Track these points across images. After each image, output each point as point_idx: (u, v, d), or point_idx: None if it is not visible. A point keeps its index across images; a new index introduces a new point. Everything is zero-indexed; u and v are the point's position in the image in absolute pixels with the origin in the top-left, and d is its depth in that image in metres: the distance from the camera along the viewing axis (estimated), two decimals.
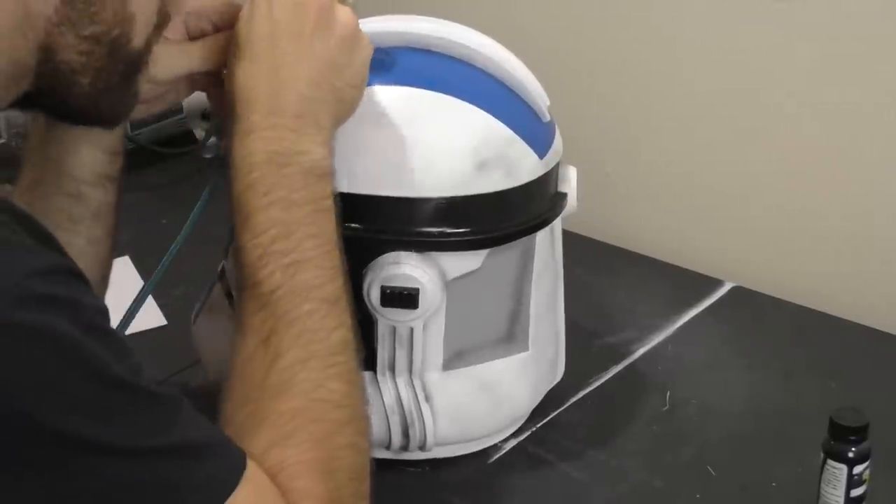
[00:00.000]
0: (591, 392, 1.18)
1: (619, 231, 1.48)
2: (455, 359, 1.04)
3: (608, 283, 1.38)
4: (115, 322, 0.72)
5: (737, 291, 1.35)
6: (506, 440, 1.11)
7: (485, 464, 1.09)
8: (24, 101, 0.76)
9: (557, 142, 1.08)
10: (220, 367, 1.06)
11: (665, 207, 1.49)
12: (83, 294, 0.65)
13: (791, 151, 1.36)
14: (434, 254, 1.00)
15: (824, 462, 0.97)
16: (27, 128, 1.74)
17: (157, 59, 0.84)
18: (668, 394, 1.18)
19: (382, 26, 1.03)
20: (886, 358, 1.24)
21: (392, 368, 1.02)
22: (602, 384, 1.19)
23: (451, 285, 1.01)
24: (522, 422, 1.12)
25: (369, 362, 1.01)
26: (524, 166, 1.02)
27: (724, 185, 1.43)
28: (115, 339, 0.67)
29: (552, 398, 1.15)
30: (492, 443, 1.10)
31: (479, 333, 1.05)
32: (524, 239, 1.04)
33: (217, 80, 0.93)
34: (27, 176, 0.94)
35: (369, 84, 0.96)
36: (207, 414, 0.73)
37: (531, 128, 1.04)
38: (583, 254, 1.36)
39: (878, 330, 1.27)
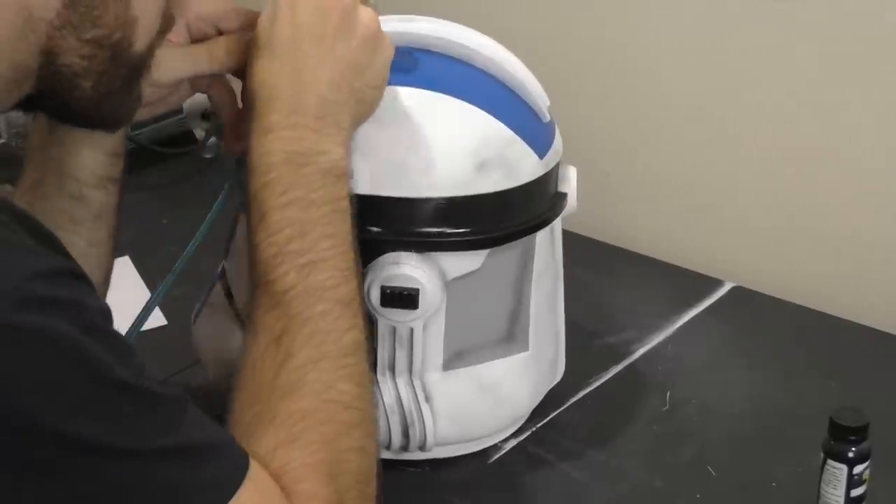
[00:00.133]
0: (591, 392, 1.18)
1: (619, 231, 1.48)
2: (455, 359, 1.04)
3: (608, 283, 1.38)
4: (124, 326, 0.72)
5: (737, 291, 1.35)
6: (506, 440, 1.11)
7: (485, 464, 1.09)
8: (27, 103, 0.76)
9: (557, 142, 1.08)
10: (220, 367, 1.07)
11: (665, 207, 1.49)
12: (85, 295, 0.65)
13: (791, 151, 1.36)
14: (434, 254, 1.00)
15: (824, 462, 0.97)
16: (28, 128, 1.74)
17: (160, 62, 0.84)
18: (668, 394, 1.18)
19: (382, 26, 1.03)
20: (886, 358, 1.24)
21: (392, 369, 1.02)
22: (602, 384, 1.19)
23: (451, 285, 1.01)
24: (522, 422, 1.12)
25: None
26: (524, 166, 1.02)
27: (724, 185, 1.43)
28: (117, 341, 0.67)
29: (552, 398, 1.15)
30: (492, 443, 1.10)
31: (479, 333, 1.05)
32: (524, 239, 1.04)
33: (219, 82, 0.93)
34: (28, 177, 0.94)
35: None
36: (209, 413, 0.73)
37: (531, 128, 1.04)
38: (583, 254, 1.36)
39: (878, 330, 1.28)
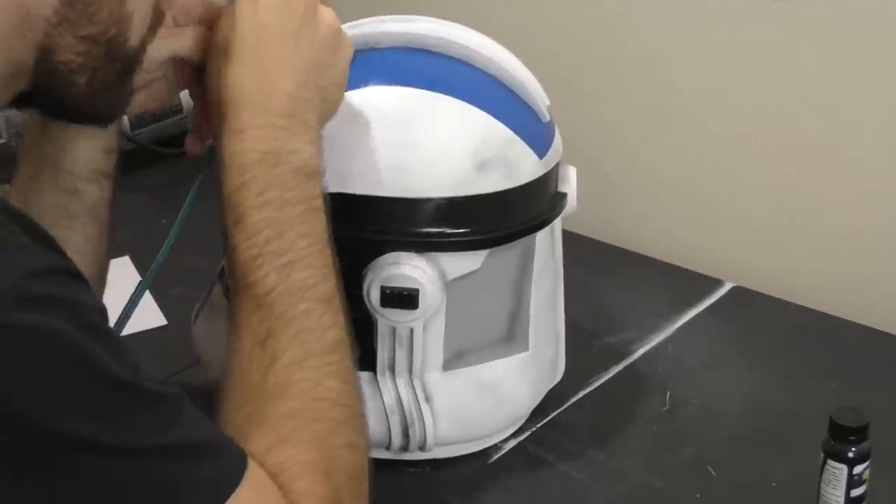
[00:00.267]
0: (591, 392, 1.18)
1: (619, 231, 1.48)
2: (455, 359, 1.04)
3: (608, 283, 1.38)
4: (113, 322, 0.72)
5: (737, 291, 1.35)
6: (506, 440, 1.11)
7: (485, 464, 1.09)
8: (21, 100, 0.76)
9: (557, 142, 1.08)
10: (219, 367, 1.06)
11: (665, 207, 1.49)
12: (81, 294, 0.65)
13: (791, 151, 1.36)
14: (434, 254, 1.00)
15: (824, 462, 0.97)
16: (27, 128, 1.74)
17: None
18: (668, 394, 1.18)
19: (382, 27, 1.03)
20: (886, 358, 1.24)
21: (392, 369, 1.02)
22: (602, 384, 1.19)
23: (450, 285, 1.01)
24: (522, 422, 1.12)
25: (369, 363, 1.01)
26: (524, 166, 1.02)
27: (724, 185, 1.43)
28: (113, 339, 0.67)
29: (552, 398, 1.15)
30: (492, 443, 1.10)
31: (479, 333, 1.05)
32: (524, 239, 1.04)
33: (201, 78, 0.93)
34: (23, 174, 0.94)
35: (368, 84, 0.96)
36: (208, 413, 0.73)
37: (531, 128, 1.04)
38: (583, 254, 1.36)
39: (878, 330, 1.28)
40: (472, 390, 1.05)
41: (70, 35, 0.73)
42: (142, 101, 0.91)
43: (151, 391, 0.67)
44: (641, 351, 1.25)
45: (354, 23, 1.04)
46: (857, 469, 0.96)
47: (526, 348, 1.07)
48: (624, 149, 1.50)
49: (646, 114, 1.47)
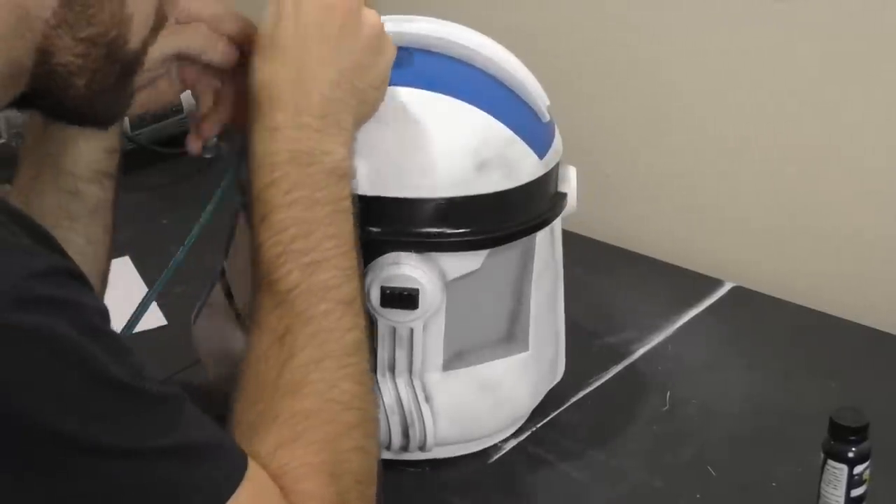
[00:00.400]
0: (591, 392, 1.18)
1: (619, 231, 1.48)
2: (455, 359, 1.04)
3: (608, 283, 1.38)
4: (119, 325, 0.72)
5: (737, 291, 1.35)
6: (506, 440, 1.11)
7: (485, 464, 1.09)
8: (21, 101, 0.76)
9: (557, 142, 1.08)
10: (220, 367, 1.07)
11: (665, 207, 1.49)
12: (82, 295, 0.65)
13: (791, 151, 1.36)
14: (434, 254, 1.00)
15: (824, 462, 0.97)
16: (27, 128, 1.74)
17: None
18: (668, 394, 1.18)
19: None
20: (886, 358, 1.24)
21: (392, 369, 1.02)
22: (602, 384, 1.19)
23: (450, 285, 1.01)
24: (522, 422, 1.12)
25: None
26: (524, 167, 1.02)
27: (723, 185, 1.43)
28: (114, 340, 0.67)
29: (552, 398, 1.15)
30: (492, 443, 1.10)
31: (480, 334, 1.05)
32: (524, 239, 1.04)
33: (206, 76, 0.93)
34: (24, 174, 0.95)
35: None
36: (209, 413, 0.73)
37: (531, 128, 1.04)
38: (583, 254, 1.36)
39: (878, 330, 1.28)
40: (472, 390, 1.05)
41: (69, 37, 0.73)
42: (143, 101, 0.91)
43: (152, 392, 0.67)
44: (641, 351, 1.25)
45: None
46: (858, 469, 0.96)
47: (526, 348, 1.07)
48: (624, 149, 1.50)
49: (646, 115, 1.47)
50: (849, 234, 1.34)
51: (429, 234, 1.00)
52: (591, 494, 1.06)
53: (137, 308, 0.95)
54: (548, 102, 1.08)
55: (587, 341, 1.25)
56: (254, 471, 0.71)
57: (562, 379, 1.16)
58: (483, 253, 1.02)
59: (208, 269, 1.11)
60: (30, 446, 0.62)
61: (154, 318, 1.27)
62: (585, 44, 1.49)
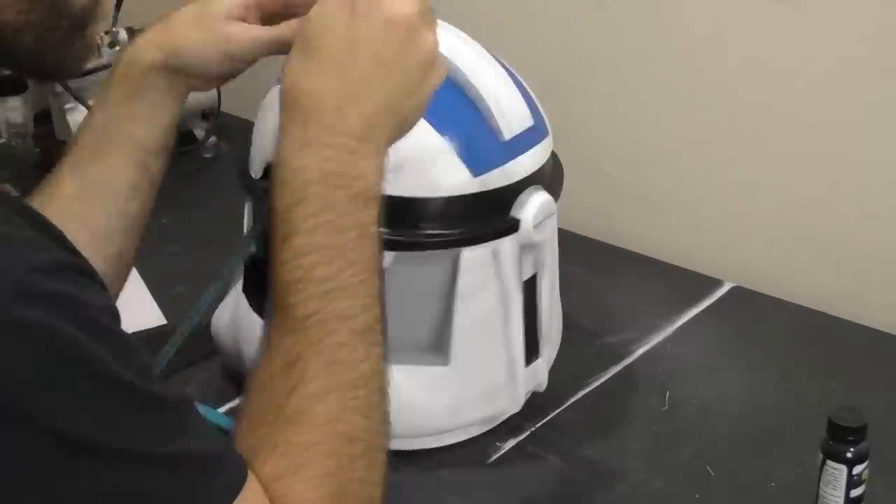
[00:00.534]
0: (591, 392, 1.18)
1: (619, 231, 1.48)
2: None
3: (608, 283, 1.38)
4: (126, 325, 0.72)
5: (737, 291, 1.35)
6: (506, 440, 1.11)
7: (484, 464, 1.09)
8: None
9: (516, 166, 1.04)
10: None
11: (665, 207, 1.49)
12: (88, 292, 0.65)
13: (791, 151, 1.36)
14: None
15: (823, 463, 0.97)
16: (27, 127, 1.75)
17: (235, 38, 0.91)
18: (668, 394, 1.18)
19: None
20: (886, 358, 1.24)
21: None
22: (602, 384, 1.19)
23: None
24: (433, 436, 1.10)
25: None
26: (447, 179, 1.01)
27: (723, 185, 1.43)
28: (121, 340, 0.66)
29: (552, 398, 1.15)
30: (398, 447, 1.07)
31: (398, 335, 1.01)
32: (448, 253, 1.03)
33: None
34: (80, 144, 0.97)
35: None
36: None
37: (476, 144, 1.02)
38: (583, 254, 1.36)
39: (878, 330, 1.28)
40: None
41: None
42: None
43: (156, 395, 0.66)
44: (641, 351, 1.25)
45: None
46: (856, 469, 0.96)
47: (446, 363, 1.06)
48: (625, 149, 1.50)
49: (646, 114, 1.47)
50: (849, 235, 1.34)
51: None
52: (591, 494, 1.06)
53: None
54: (530, 123, 1.05)
55: (587, 341, 1.25)
56: (251, 486, 0.70)
57: (562, 379, 1.16)
58: (389, 254, 0.98)
59: (208, 269, 1.11)
60: (27, 445, 0.61)
61: (154, 318, 1.27)
62: (587, 44, 1.49)
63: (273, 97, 1.05)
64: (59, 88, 1.57)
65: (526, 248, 1.07)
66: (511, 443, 1.11)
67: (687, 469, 1.08)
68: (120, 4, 1.60)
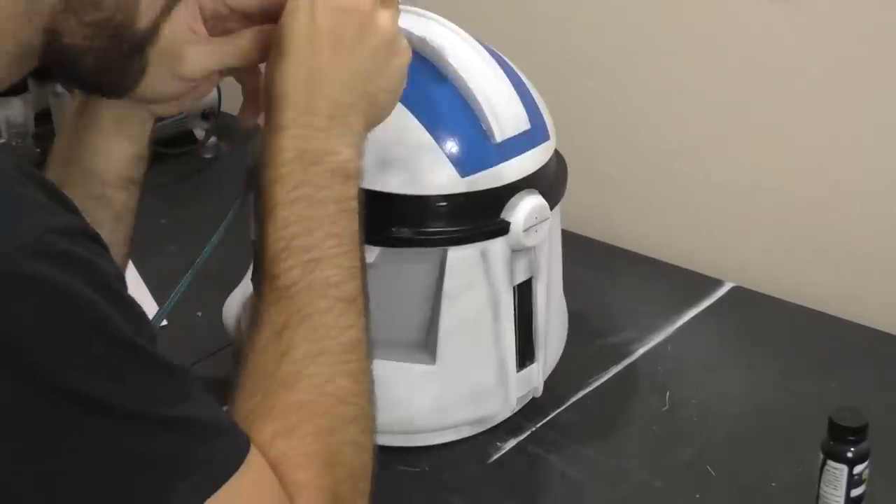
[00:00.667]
0: (591, 392, 1.18)
1: (619, 231, 1.48)
2: None
3: (608, 283, 1.38)
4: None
5: (737, 291, 1.35)
6: (506, 440, 1.11)
7: (485, 464, 1.09)
8: (37, 74, 0.78)
9: (507, 168, 1.04)
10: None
11: (665, 207, 1.49)
12: (99, 257, 0.66)
13: (791, 151, 1.36)
14: None
15: (824, 462, 0.97)
16: (27, 127, 1.75)
17: (186, 58, 0.88)
18: (668, 394, 1.18)
19: None
20: (886, 358, 1.24)
21: None
22: (602, 384, 1.20)
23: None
24: (423, 434, 1.10)
25: None
26: (434, 178, 1.01)
27: (723, 185, 1.43)
28: (131, 306, 0.67)
29: (552, 398, 1.15)
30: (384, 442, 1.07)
31: (386, 331, 0.98)
32: (436, 252, 1.03)
33: (250, 70, 0.95)
34: (49, 177, 0.95)
35: None
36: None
37: (466, 144, 1.02)
38: (583, 254, 1.36)
39: (878, 330, 1.28)
40: None
41: (75, 21, 0.75)
42: (185, 104, 0.95)
43: (164, 362, 0.67)
44: (641, 351, 1.25)
45: None
46: (857, 469, 0.96)
47: (432, 362, 1.07)
48: (625, 149, 1.50)
49: (646, 114, 1.47)
50: (849, 235, 1.34)
51: None
52: (591, 494, 1.06)
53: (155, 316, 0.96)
54: (527, 127, 1.05)
55: (587, 341, 1.25)
56: (254, 456, 0.71)
57: (562, 379, 1.16)
58: (374, 249, 1.01)
59: (207, 269, 1.11)
60: (41, 400, 0.62)
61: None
62: (587, 44, 1.49)
63: None
64: (59, 88, 1.57)
65: (518, 251, 1.07)
66: (511, 443, 1.11)
67: (687, 469, 1.08)
68: None
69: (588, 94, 1.50)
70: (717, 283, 1.36)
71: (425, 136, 1.01)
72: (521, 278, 1.09)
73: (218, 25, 0.94)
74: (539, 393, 1.14)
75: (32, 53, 0.75)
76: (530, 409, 1.14)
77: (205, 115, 1.69)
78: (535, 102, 1.09)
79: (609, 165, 1.51)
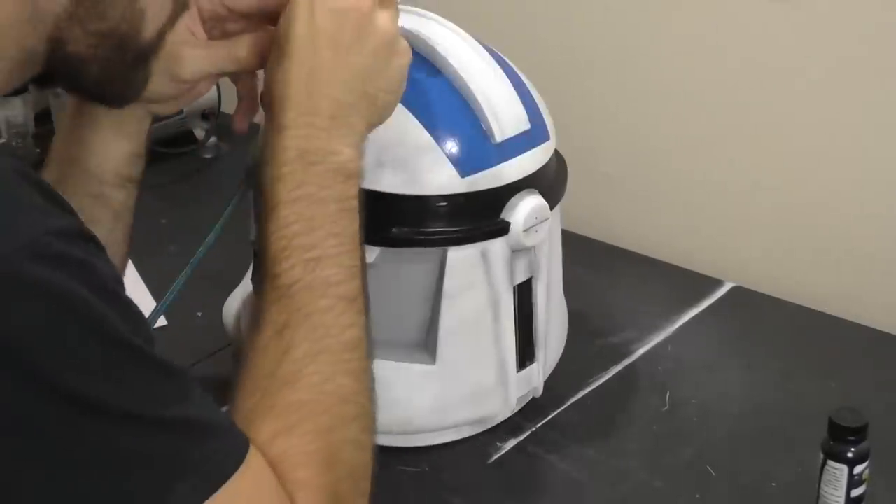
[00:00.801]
0: (591, 392, 1.18)
1: (619, 231, 1.48)
2: None
3: (608, 283, 1.38)
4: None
5: (737, 291, 1.35)
6: (506, 440, 1.11)
7: (485, 464, 1.09)
8: (40, 80, 0.78)
9: (507, 168, 1.04)
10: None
11: (665, 207, 1.49)
12: (96, 258, 0.66)
13: (791, 151, 1.36)
14: None
15: (824, 462, 0.97)
16: (27, 127, 1.75)
17: (184, 59, 0.90)
18: (668, 394, 1.18)
19: None
20: (886, 358, 1.24)
21: None
22: (602, 384, 1.20)
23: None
24: (423, 434, 1.10)
25: None
26: (433, 178, 1.01)
27: (724, 185, 1.43)
28: (129, 307, 0.67)
29: (552, 398, 1.15)
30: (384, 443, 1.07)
31: (387, 331, 1.00)
32: (436, 252, 1.03)
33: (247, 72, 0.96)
34: (47, 177, 0.95)
35: None
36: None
37: (466, 144, 1.02)
38: (583, 254, 1.36)
39: (878, 330, 1.28)
40: None
41: (80, 30, 0.75)
42: (177, 104, 0.96)
43: (163, 362, 0.67)
44: (641, 351, 1.25)
45: None
46: (857, 469, 0.96)
47: (433, 362, 1.07)
48: (625, 149, 1.50)
49: (646, 114, 1.47)
50: (849, 235, 1.34)
51: None
52: (591, 494, 1.06)
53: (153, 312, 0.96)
54: (527, 127, 1.05)
55: (587, 341, 1.25)
56: (253, 457, 0.71)
57: (562, 379, 1.16)
58: (374, 249, 1.01)
59: (209, 268, 1.11)
60: (38, 401, 0.62)
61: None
62: (587, 44, 1.49)
63: None
64: (59, 89, 1.57)
65: (519, 251, 1.07)
66: (511, 443, 1.11)
67: (687, 469, 1.08)
68: None
69: (588, 94, 1.50)
70: (717, 283, 1.36)
71: (425, 136, 1.01)
72: (521, 278, 1.09)
73: (217, 27, 0.95)
74: (539, 393, 1.14)
75: (36, 60, 0.75)
76: (530, 409, 1.14)
77: (205, 115, 1.69)
78: (535, 102, 1.09)
79: (609, 165, 1.51)
